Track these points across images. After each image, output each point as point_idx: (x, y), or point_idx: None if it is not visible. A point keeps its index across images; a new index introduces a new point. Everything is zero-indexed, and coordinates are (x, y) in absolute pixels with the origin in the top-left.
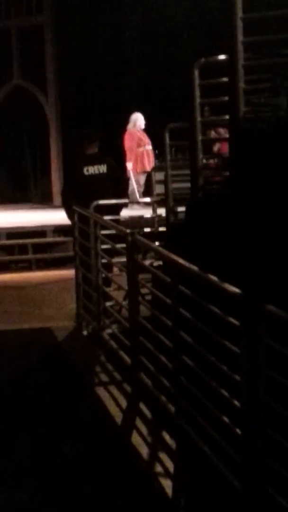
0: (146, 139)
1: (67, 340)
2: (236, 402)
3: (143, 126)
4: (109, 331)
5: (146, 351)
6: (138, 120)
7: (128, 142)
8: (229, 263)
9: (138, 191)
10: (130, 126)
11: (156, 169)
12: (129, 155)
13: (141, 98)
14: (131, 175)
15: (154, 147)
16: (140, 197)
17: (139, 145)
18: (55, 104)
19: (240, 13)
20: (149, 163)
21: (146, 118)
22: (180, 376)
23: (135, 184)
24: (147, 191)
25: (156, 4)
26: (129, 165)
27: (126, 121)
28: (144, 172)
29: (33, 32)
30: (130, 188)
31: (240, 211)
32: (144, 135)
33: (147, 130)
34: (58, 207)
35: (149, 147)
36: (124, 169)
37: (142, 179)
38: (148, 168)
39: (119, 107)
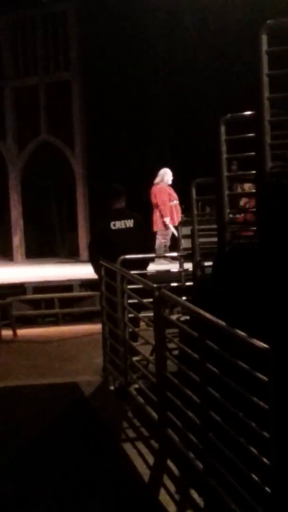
0: (174, 194)
1: (94, 395)
2: (265, 460)
3: (170, 182)
4: (136, 386)
5: (174, 407)
6: (166, 175)
7: (162, 197)
8: (256, 317)
9: (166, 245)
10: (157, 181)
11: (182, 223)
12: (164, 209)
13: (167, 153)
14: (171, 227)
15: (181, 202)
16: (167, 251)
17: (169, 200)
18: (82, 159)
19: (265, 69)
20: (177, 217)
21: (173, 174)
22: (208, 432)
23: (175, 232)
24: (173, 246)
25: (183, 60)
26: (167, 219)
27: (152, 176)
28: (173, 226)
29: (60, 88)
30: (157, 243)
31: (267, 266)
32: (172, 190)
33: (174, 185)
34: (84, 262)
35: (177, 202)
36: (150, 225)
37: (170, 233)
38: (176, 222)
39: (145, 162)
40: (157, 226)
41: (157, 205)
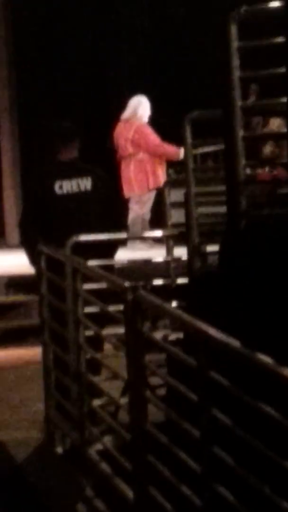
0: None
1: (30, 462)
2: None
3: (147, 117)
4: (98, 446)
5: (158, 479)
6: (141, 106)
7: (148, 135)
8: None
9: (145, 219)
10: (127, 116)
11: (170, 185)
12: (162, 147)
13: (144, 73)
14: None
15: None
16: (146, 228)
17: None
18: (9, 83)
19: None
20: (161, 174)
21: (152, 105)
22: None
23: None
24: (157, 220)
25: None
26: (181, 151)
27: (121, 109)
28: (156, 188)
29: None
30: (131, 216)
31: None
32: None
33: (153, 122)
34: (13, 247)
35: None
36: (119, 187)
37: (151, 200)
38: (161, 182)
39: (110, 87)
40: (131, 189)
41: (130, 154)
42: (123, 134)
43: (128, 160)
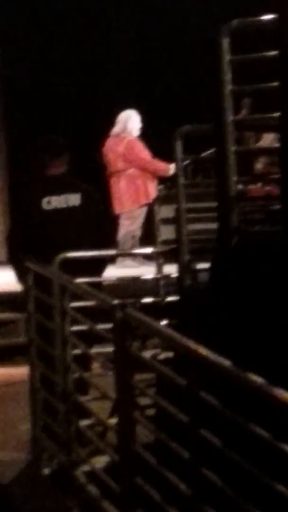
0: None
1: (17, 484)
2: None
3: (137, 131)
4: (86, 468)
5: (147, 501)
6: (130, 120)
7: (138, 151)
8: (281, 354)
9: (135, 236)
10: (117, 131)
11: (160, 201)
12: (153, 163)
13: (134, 87)
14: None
15: None
16: (137, 245)
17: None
18: None
19: None
20: (152, 190)
21: (143, 119)
22: None
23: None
24: (147, 236)
25: None
26: (172, 167)
27: (110, 123)
28: (147, 204)
29: None
30: (121, 232)
31: None
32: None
33: (143, 137)
34: (1, 264)
35: None
36: (108, 204)
37: (142, 216)
38: (151, 198)
39: (100, 102)
40: (122, 205)
41: (120, 170)
42: (113, 149)
43: (119, 176)
